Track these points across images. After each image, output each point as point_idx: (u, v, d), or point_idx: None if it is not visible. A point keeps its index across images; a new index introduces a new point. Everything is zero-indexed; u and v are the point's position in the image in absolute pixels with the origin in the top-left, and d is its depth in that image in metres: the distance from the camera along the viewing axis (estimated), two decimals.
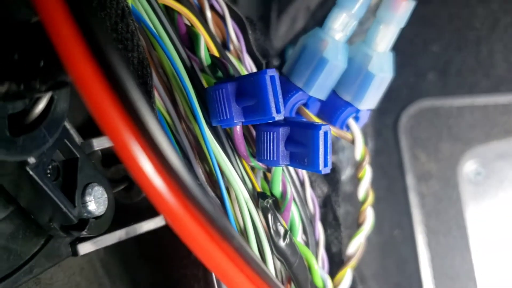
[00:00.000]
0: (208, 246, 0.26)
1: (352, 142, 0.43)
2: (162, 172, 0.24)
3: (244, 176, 0.40)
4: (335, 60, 0.40)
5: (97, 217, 0.34)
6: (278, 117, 0.35)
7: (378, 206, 0.46)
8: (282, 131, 0.38)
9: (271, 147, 0.38)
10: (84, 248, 0.36)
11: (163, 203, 0.24)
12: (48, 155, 0.32)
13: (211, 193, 0.39)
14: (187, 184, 0.24)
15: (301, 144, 0.37)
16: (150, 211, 0.39)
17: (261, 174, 0.42)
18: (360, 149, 0.43)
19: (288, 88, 0.41)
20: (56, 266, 0.41)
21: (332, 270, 0.44)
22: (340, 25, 0.40)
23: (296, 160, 0.38)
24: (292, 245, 0.38)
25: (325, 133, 0.36)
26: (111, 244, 0.43)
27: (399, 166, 0.69)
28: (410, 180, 0.68)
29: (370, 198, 0.44)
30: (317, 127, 0.36)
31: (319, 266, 0.42)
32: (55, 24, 0.22)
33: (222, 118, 0.37)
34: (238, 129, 0.38)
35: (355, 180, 0.54)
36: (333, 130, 0.42)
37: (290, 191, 0.40)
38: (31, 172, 0.30)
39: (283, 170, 0.40)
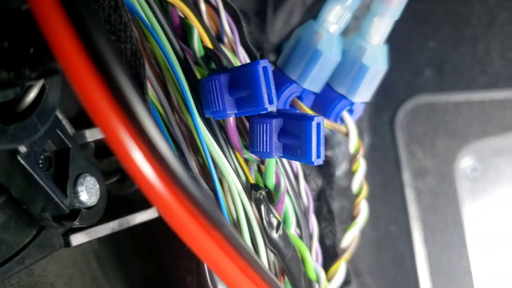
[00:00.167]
0: (198, 234, 0.26)
1: (346, 135, 0.43)
2: (151, 161, 0.24)
3: (238, 168, 0.40)
4: (329, 52, 0.40)
5: (89, 208, 0.34)
6: (271, 108, 0.35)
7: (374, 202, 0.46)
8: (275, 123, 0.38)
9: (264, 138, 0.38)
10: (77, 239, 0.36)
11: (152, 191, 0.24)
12: (39, 144, 0.32)
13: (204, 185, 0.39)
14: (176, 173, 0.24)
15: (294, 135, 0.37)
16: (143, 203, 0.39)
17: (255, 167, 0.42)
18: (354, 142, 0.43)
19: (282, 80, 0.41)
20: (49, 258, 0.41)
21: (326, 263, 0.44)
22: (334, 17, 0.40)
23: (289, 152, 0.38)
24: (285, 236, 0.38)
25: (318, 125, 0.36)
26: (104, 237, 0.43)
27: (395, 162, 0.69)
28: (406, 176, 0.68)
29: (364, 191, 0.44)
30: (310, 118, 0.36)
31: (313, 258, 0.42)
32: (45, 13, 0.22)
33: (215, 110, 0.37)
34: (231, 120, 0.38)
35: (350, 175, 0.54)
36: (327, 123, 0.42)
37: (284, 183, 0.40)
38: (22, 161, 0.30)
39: (276, 162, 0.40)
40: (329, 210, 0.46)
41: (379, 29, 0.41)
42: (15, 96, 0.29)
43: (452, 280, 0.67)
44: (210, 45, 0.40)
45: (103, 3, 0.34)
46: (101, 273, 0.44)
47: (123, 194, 0.39)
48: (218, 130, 0.39)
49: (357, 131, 0.43)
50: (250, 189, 0.39)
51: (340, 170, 0.58)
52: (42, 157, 0.33)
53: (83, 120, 0.38)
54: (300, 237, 0.43)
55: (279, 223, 0.38)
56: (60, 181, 0.33)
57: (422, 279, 0.67)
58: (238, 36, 0.43)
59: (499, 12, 0.68)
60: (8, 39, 0.26)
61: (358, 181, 0.44)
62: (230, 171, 0.38)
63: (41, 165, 0.33)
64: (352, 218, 0.44)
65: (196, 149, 0.39)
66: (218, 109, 0.37)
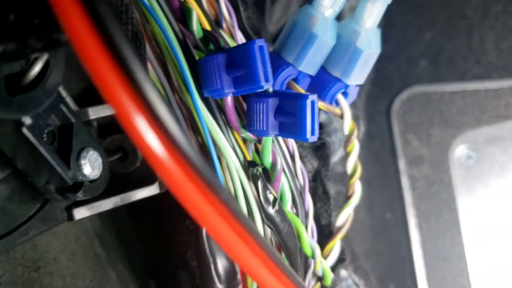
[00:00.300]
0: (197, 198, 0.27)
1: (341, 117, 0.44)
2: (155, 127, 0.25)
3: (235, 146, 0.41)
4: (324, 35, 0.41)
5: (92, 181, 0.36)
6: (267, 86, 0.37)
7: (371, 190, 0.47)
8: (272, 102, 0.39)
9: (261, 117, 0.39)
10: (80, 213, 0.37)
11: (154, 156, 0.25)
12: (43, 118, 0.33)
13: None
14: (178, 139, 0.25)
15: (289, 114, 0.38)
16: (145, 180, 0.40)
17: (252, 147, 0.44)
18: (348, 124, 0.44)
19: (279, 63, 0.42)
20: (52, 234, 0.42)
21: (321, 242, 0.45)
22: (329, 1, 0.41)
23: (285, 130, 0.39)
24: (281, 212, 0.40)
25: (312, 102, 0.38)
26: (105, 217, 0.45)
27: (391, 150, 0.70)
28: (402, 164, 0.69)
29: (359, 172, 0.45)
30: (305, 96, 0.38)
31: (309, 235, 0.43)
32: None
33: (213, 88, 0.38)
34: (229, 99, 0.39)
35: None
36: (323, 105, 0.43)
37: (280, 161, 0.41)
38: (27, 133, 0.31)
39: (273, 142, 0.42)
40: (324, 191, 0.47)
41: (372, 13, 0.42)
42: (21, 69, 0.30)
43: (447, 265, 0.68)
44: (208, 28, 0.41)
45: None
46: (103, 251, 0.45)
47: (125, 171, 0.41)
48: (217, 110, 0.40)
49: (351, 113, 0.44)
50: (248, 166, 0.40)
51: (337, 156, 0.59)
52: (46, 131, 0.34)
53: (85, 99, 0.39)
54: (296, 215, 0.44)
55: (275, 199, 0.39)
56: (63, 154, 0.34)
57: (417, 265, 0.68)
58: (236, 20, 0.44)
59: (494, 4, 0.69)
60: (14, 12, 0.28)
61: (352, 162, 0.45)
62: (229, 149, 0.40)
63: (45, 139, 0.34)
64: (347, 198, 0.46)
65: (195, 129, 0.41)
66: (216, 87, 0.38)
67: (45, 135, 0.34)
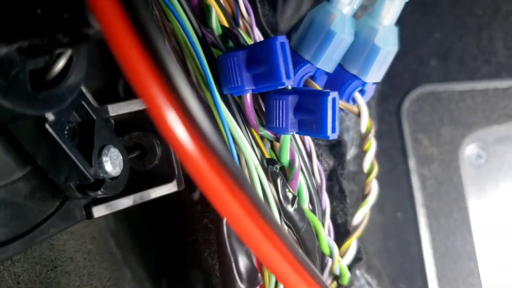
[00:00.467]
0: (224, 194, 0.27)
1: (358, 115, 0.44)
2: (184, 121, 0.25)
3: (253, 144, 0.41)
4: (343, 33, 0.41)
5: (112, 178, 0.35)
6: (288, 83, 0.36)
7: (381, 189, 0.47)
8: (291, 99, 0.39)
9: (280, 114, 0.39)
10: (99, 211, 0.37)
11: (183, 150, 0.25)
12: (66, 114, 0.33)
13: None
14: (206, 131, 0.25)
15: (309, 111, 0.38)
16: (163, 177, 0.40)
17: (268, 145, 0.43)
18: (365, 122, 0.44)
19: (296, 60, 0.42)
20: (69, 234, 0.42)
21: (337, 241, 0.45)
22: None
23: (304, 127, 0.39)
24: (300, 210, 0.39)
25: (333, 100, 0.37)
26: (120, 217, 0.44)
27: (401, 150, 0.70)
28: (412, 163, 0.69)
29: (375, 170, 0.45)
30: (326, 93, 0.37)
31: (326, 233, 0.43)
32: None
33: (233, 86, 0.38)
34: (248, 97, 0.39)
35: (359, 160, 0.55)
36: (340, 103, 0.43)
37: (298, 160, 0.41)
38: (50, 129, 0.31)
39: (290, 140, 0.41)
40: (340, 189, 0.47)
41: (390, 10, 0.42)
42: (45, 64, 0.30)
43: (457, 265, 0.68)
44: (226, 25, 0.41)
45: None
46: (119, 250, 0.45)
47: (143, 169, 0.40)
48: (235, 107, 0.40)
49: (368, 111, 0.44)
50: (267, 164, 0.40)
51: (349, 155, 0.59)
52: (67, 127, 0.34)
53: (104, 97, 0.39)
54: (313, 213, 0.44)
55: (294, 197, 0.39)
56: (85, 151, 0.34)
57: (427, 265, 0.68)
58: (254, 17, 0.44)
59: (503, 3, 0.69)
60: (42, 6, 0.27)
61: (369, 160, 0.45)
62: (248, 146, 0.39)
63: (66, 136, 0.33)
64: (363, 196, 0.45)
65: (214, 126, 0.40)
66: (236, 85, 0.38)
67: (66, 132, 0.33)
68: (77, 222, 0.37)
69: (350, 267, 0.45)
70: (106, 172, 0.34)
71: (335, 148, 0.48)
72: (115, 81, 0.46)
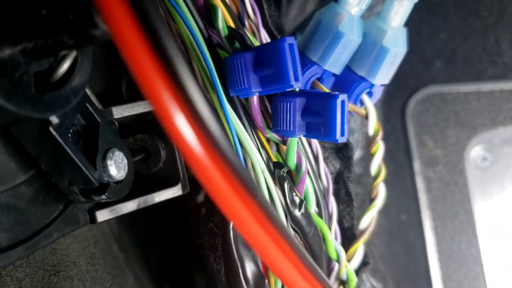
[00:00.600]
0: (232, 199, 0.26)
1: (366, 117, 0.43)
2: (192, 123, 0.24)
3: (260, 147, 0.40)
4: (351, 34, 0.40)
5: (117, 182, 0.35)
6: (296, 85, 0.36)
7: (385, 191, 0.46)
8: (299, 101, 0.38)
9: (288, 117, 0.38)
10: (102, 215, 0.36)
11: (190, 152, 0.24)
12: (70, 117, 0.32)
13: None
14: (215, 135, 0.24)
15: (318, 114, 0.37)
16: (168, 181, 0.39)
17: (274, 148, 0.43)
18: (373, 124, 0.43)
19: (303, 62, 0.42)
20: (72, 238, 0.41)
21: (344, 245, 0.45)
22: None
23: (312, 130, 0.38)
24: (307, 215, 0.39)
25: (343, 102, 0.37)
26: (123, 220, 0.44)
27: (406, 151, 0.69)
28: (417, 165, 0.69)
29: (383, 174, 0.44)
30: (335, 96, 0.37)
31: (333, 238, 0.42)
32: None
33: (240, 88, 0.37)
34: (255, 99, 0.38)
35: (364, 162, 0.54)
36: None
37: (305, 163, 0.40)
38: (54, 132, 0.30)
39: (297, 143, 0.41)
40: (347, 193, 0.46)
41: (399, 11, 0.41)
42: (49, 66, 0.29)
43: (462, 268, 0.68)
44: (233, 26, 0.40)
45: None
46: (121, 254, 0.44)
47: (147, 172, 0.40)
48: (242, 109, 0.39)
49: (376, 113, 0.43)
50: (273, 168, 0.39)
51: (354, 157, 0.58)
52: (71, 130, 0.33)
53: (108, 98, 0.38)
54: (320, 217, 0.43)
55: (301, 201, 0.38)
56: (89, 154, 0.33)
57: (432, 267, 0.67)
58: (260, 18, 0.43)
59: (509, 4, 0.69)
60: (47, 7, 0.27)
61: (377, 163, 0.44)
62: (254, 149, 0.39)
63: (70, 139, 0.33)
64: (370, 200, 0.45)
65: (221, 128, 0.40)
66: (243, 87, 0.37)
67: (70, 135, 0.33)
68: (80, 227, 0.36)
69: (357, 271, 0.44)
70: (110, 176, 0.34)
71: (342, 151, 0.47)
72: (118, 82, 0.46)
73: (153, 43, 0.22)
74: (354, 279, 0.43)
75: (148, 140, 0.39)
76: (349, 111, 0.43)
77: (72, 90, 0.30)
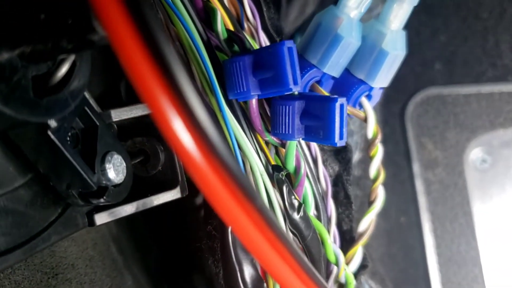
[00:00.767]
0: (231, 205, 0.26)
1: (365, 120, 0.43)
2: (191, 130, 0.24)
3: (259, 150, 0.40)
4: (350, 37, 0.40)
5: (116, 185, 0.34)
6: (295, 89, 0.36)
7: (385, 194, 0.46)
8: (298, 105, 0.38)
9: (287, 120, 0.38)
10: (101, 218, 0.36)
11: (189, 158, 0.24)
12: (68, 121, 0.32)
13: None
14: (213, 141, 0.24)
15: (316, 117, 0.37)
16: (166, 184, 0.39)
17: (273, 151, 0.43)
18: (372, 127, 0.43)
19: (302, 65, 0.41)
20: (70, 240, 0.41)
21: (342, 248, 0.45)
22: (355, 2, 0.40)
23: (311, 134, 0.38)
24: (306, 218, 0.39)
25: (341, 106, 0.37)
26: (122, 222, 0.44)
27: (406, 154, 0.69)
28: (416, 167, 0.69)
29: (382, 176, 0.44)
30: (334, 99, 0.37)
31: (332, 241, 0.42)
32: None
33: (238, 91, 0.37)
34: (254, 102, 0.38)
35: (363, 164, 0.54)
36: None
37: (304, 166, 0.40)
38: (52, 136, 0.30)
39: (296, 146, 0.41)
40: (346, 195, 0.46)
41: (399, 14, 0.41)
42: (47, 70, 0.29)
43: (462, 270, 0.68)
44: (232, 28, 0.40)
45: None
46: (120, 256, 0.44)
47: (146, 175, 0.40)
48: (240, 113, 0.39)
49: (375, 116, 0.43)
50: (272, 171, 0.39)
51: (353, 159, 0.58)
52: (70, 134, 0.33)
53: (106, 101, 0.38)
54: (318, 220, 0.43)
55: (300, 205, 0.38)
56: (88, 158, 0.33)
57: (431, 270, 0.67)
58: (260, 20, 0.43)
59: (509, 6, 0.69)
60: (45, 11, 0.27)
61: (376, 166, 0.44)
62: (253, 152, 0.39)
63: (69, 142, 0.33)
64: (369, 203, 0.45)
65: (219, 131, 0.40)
66: (241, 90, 0.37)
67: (69, 138, 0.33)
68: (79, 230, 0.36)
69: (356, 274, 0.44)
70: (109, 180, 0.34)
71: (341, 153, 0.47)
72: (117, 84, 0.46)
73: (151, 48, 0.22)
74: (353, 282, 0.43)
75: (147, 143, 0.39)
76: (348, 114, 0.43)
77: (71, 93, 0.30)
